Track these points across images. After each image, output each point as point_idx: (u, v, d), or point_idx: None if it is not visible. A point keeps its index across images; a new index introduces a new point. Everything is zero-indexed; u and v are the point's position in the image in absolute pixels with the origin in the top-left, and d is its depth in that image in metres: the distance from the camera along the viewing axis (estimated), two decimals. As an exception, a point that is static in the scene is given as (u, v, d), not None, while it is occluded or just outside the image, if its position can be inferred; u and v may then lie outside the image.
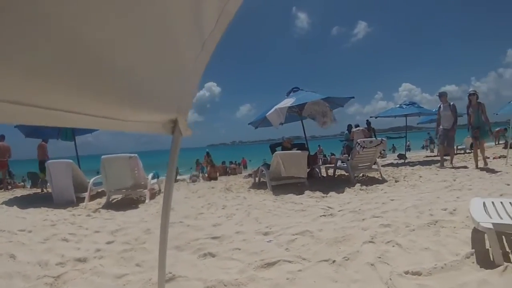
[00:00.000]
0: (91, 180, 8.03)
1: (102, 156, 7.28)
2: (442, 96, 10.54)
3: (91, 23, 0.76)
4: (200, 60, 1.46)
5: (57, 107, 0.92)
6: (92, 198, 7.86)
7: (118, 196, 8.03)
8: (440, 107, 10.58)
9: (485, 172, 8.42)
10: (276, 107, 9.03)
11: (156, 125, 1.51)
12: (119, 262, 3.51)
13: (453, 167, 10.05)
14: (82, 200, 7.55)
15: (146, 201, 7.36)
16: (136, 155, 7.60)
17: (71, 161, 7.86)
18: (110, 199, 7.51)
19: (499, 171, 8.30)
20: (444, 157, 10.85)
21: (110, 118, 1.21)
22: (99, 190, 8.26)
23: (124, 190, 7.66)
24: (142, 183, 7.90)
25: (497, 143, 23.37)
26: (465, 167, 9.98)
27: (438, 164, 10.66)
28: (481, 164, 9.48)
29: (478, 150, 9.65)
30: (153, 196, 7.68)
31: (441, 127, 10.47)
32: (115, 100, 1.11)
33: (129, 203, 7.42)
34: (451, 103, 10.32)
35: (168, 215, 1.76)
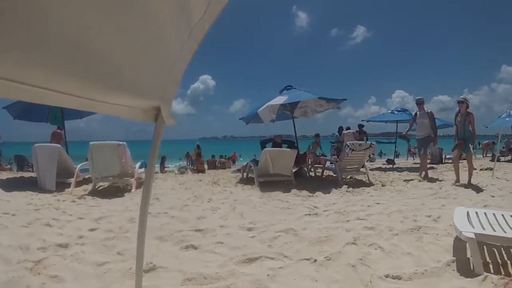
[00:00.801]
0: (78, 166, 7.95)
1: (90, 143, 7.20)
2: (420, 102, 9.92)
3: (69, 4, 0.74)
4: (187, 48, 1.43)
5: (33, 83, 0.90)
6: (79, 184, 7.77)
7: (105, 184, 7.97)
8: (416, 114, 9.95)
9: (472, 183, 8.49)
10: (268, 104, 9.01)
11: (138, 111, 1.49)
12: (100, 250, 3.47)
13: (425, 178, 9.35)
14: (68, 185, 7.46)
15: (132, 190, 7.31)
16: (124, 143, 7.54)
17: (58, 145, 7.77)
18: (96, 186, 7.43)
19: (485, 183, 8.39)
20: (427, 167, 10.07)
21: (86, 98, 1.18)
22: (86, 177, 8.18)
23: (111, 178, 7.58)
24: (130, 171, 7.84)
25: (485, 155, 23.71)
26: (442, 180, 9.26)
27: (422, 175, 9.80)
28: (464, 180, 8.35)
29: (463, 163, 9.31)
30: (139, 185, 7.61)
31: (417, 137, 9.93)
32: (92, 80, 1.09)
33: (115, 191, 7.36)
34: (429, 110, 9.69)
35: (147, 205, 1.74)
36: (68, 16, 0.78)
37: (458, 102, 8.46)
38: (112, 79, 1.17)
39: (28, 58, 0.78)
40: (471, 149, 8.74)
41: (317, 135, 16.23)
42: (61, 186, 7.35)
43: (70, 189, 7.24)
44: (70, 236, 3.88)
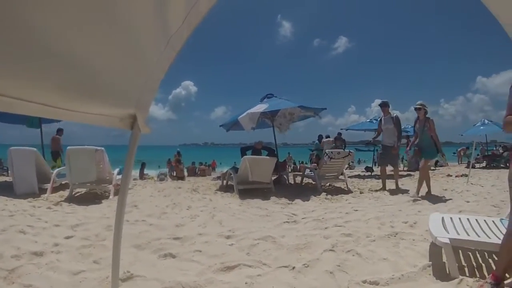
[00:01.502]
0: (55, 171, 7.78)
1: (68, 147, 7.07)
2: (384, 106, 8.95)
3: (41, 10, 0.75)
4: (165, 57, 1.46)
5: (4, 93, 0.90)
6: (55, 190, 7.61)
7: (82, 190, 7.81)
8: (381, 120, 9.05)
9: (447, 189, 8.65)
10: (248, 111, 9.04)
11: (114, 119, 1.50)
12: (76, 258, 3.40)
13: (397, 190, 8.58)
14: (44, 191, 7.30)
15: (110, 197, 7.17)
16: (102, 148, 7.42)
17: (34, 149, 7.61)
18: (73, 193, 7.26)
19: (460, 189, 8.56)
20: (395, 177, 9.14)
21: (60, 108, 1.18)
22: (63, 182, 8.02)
23: (88, 184, 7.44)
24: (107, 177, 7.73)
25: (460, 162, 24.32)
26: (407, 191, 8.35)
27: (380, 188, 8.95)
28: (423, 191, 7.57)
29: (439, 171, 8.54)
30: (118, 192, 7.50)
31: (381, 144, 9.08)
32: (66, 91, 1.09)
33: (92, 197, 7.23)
34: (394, 115, 8.77)
35: (123, 213, 1.73)
36: (42, 26, 0.78)
37: (416, 108, 7.78)
38: (87, 89, 1.18)
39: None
40: (440, 155, 7.98)
41: None
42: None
43: (46, 195, 7.06)
44: (45, 243, 3.79)
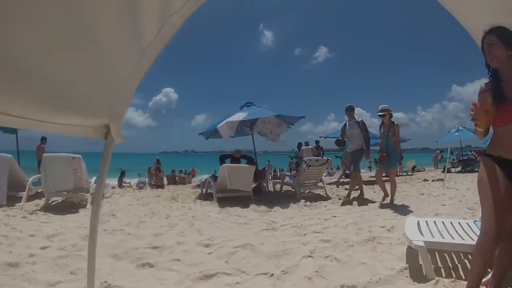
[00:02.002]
0: (30, 179, 7.55)
1: (44, 154, 6.89)
2: (349, 110, 8.35)
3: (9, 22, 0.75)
4: (138, 68, 1.48)
5: None
6: (31, 198, 7.36)
7: (58, 199, 7.60)
8: (345, 124, 8.41)
9: (423, 194, 8.80)
10: (227, 120, 9.05)
11: (87, 129, 1.52)
12: (52, 269, 3.32)
13: (357, 200, 8.07)
14: (19, 199, 7.05)
15: (87, 205, 7.01)
16: (80, 156, 7.23)
17: (9, 156, 7.36)
18: (49, 201, 7.05)
19: (437, 193, 8.72)
20: (362, 186, 8.78)
21: (30, 119, 1.19)
22: (39, 191, 7.72)
23: (65, 193, 7.23)
24: (85, 186, 7.54)
25: (436, 167, 24.93)
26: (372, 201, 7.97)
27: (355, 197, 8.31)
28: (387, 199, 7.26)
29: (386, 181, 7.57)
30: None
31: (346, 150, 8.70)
32: (36, 103, 1.10)
33: (69, 206, 7.04)
34: (360, 119, 8.25)
35: (96, 224, 1.72)
36: (11, 41, 0.78)
37: (379, 114, 7.35)
38: (59, 101, 1.19)
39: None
40: (397, 163, 7.48)
41: None
42: (11, 200, 6.89)
43: (21, 203, 6.84)
44: (20, 254, 3.67)
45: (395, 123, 7.22)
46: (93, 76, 1.28)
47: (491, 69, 2.34)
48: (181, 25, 1.48)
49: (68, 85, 1.16)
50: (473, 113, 2.17)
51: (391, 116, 7.30)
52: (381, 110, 7.30)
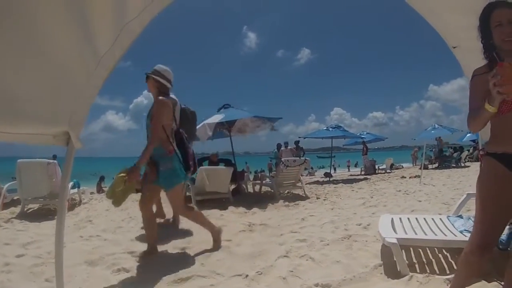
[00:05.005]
0: (5, 186, 7.41)
1: (18, 160, 6.73)
2: None
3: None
4: (97, 76, 1.50)
5: None
6: (6, 206, 7.19)
7: (34, 206, 7.38)
8: None
9: (400, 190, 8.92)
10: (205, 122, 9.03)
11: (47, 137, 1.52)
12: (28, 277, 3.25)
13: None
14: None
15: (64, 212, 6.87)
16: (55, 161, 7.07)
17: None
18: (25, 209, 6.86)
19: (413, 189, 8.85)
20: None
21: None
22: (14, 198, 7.59)
23: (41, 199, 7.01)
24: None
25: (414, 164, 25.42)
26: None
27: None
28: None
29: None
30: (72, 207, 7.21)
31: None
32: None
33: (45, 213, 6.85)
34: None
35: (62, 228, 1.69)
36: None
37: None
38: (14, 113, 1.21)
39: None
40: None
41: None
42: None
43: (-4, 212, 6.64)
44: (-5, 263, 3.60)
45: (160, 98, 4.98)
46: (49, 88, 1.29)
47: (493, 51, 1.95)
48: (141, 31, 1.51)
49: (24, 98, 1.18)
50: (499, 78, 1.56)
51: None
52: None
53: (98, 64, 1.42)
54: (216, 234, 4.18)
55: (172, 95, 5.10)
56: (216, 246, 4.08)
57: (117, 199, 3.41)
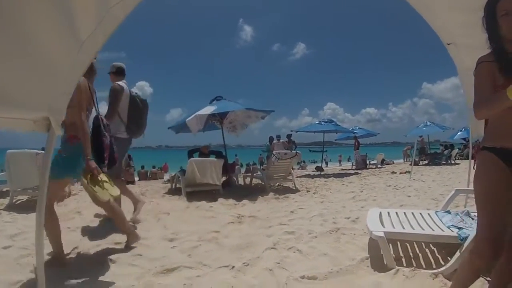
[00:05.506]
0: (-6, 178, 7.24)
1: (7, 151, 6.66)
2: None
3: None
4: (78, 62, 1.49)
5: None
6: None
7: (23, 197, 7.30)
8: None
9: (390, 185, 8.97)
10: (196, 113, 8.98)
11: (27, 122, 1.51)
12: (14, 269, 3.21)
13: None
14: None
15: (54, 203, 6.80)
16: (44, 151, 7.03)
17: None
18: (14, 200, 6.79)
19: (403, 184, 8.92)
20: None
21: None
22: (4, 190, 7.51)
23: (30, 191, 6.94)
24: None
25: (405, 160, 25.65)
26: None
27: None
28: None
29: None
30: (61, 198, 7.16)
31: None
32: None
33: (33, 205, 6.54)
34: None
35: (42, 215, 1.66)
36: None
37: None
38: None
39: None
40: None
41: None
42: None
43: (-16, 203, 6.56)
44: (-19, 255, 3.55)
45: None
46: (27, 72, 1.28)
47: (496, 40, 1.92)
48: (124, 17, 1.49)
49: (1, 81, 1.18)
50: None
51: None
52: None
53: (80, 49, 1.40)
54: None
55: (120, 82, 4.96)
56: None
57: (99, 194, 3.31)
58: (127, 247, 3.77)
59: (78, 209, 6.23)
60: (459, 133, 22.13)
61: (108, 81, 5.18)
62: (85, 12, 1.30)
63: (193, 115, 8.98)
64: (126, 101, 4.92)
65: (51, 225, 3.16)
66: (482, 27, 1.98)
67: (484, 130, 2.07)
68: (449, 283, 2.55)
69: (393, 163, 23.16)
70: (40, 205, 1.68)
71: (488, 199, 1.86)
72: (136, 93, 5.32)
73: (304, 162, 26.76)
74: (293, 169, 10.10)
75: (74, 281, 2.86)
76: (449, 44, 3.12)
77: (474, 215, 3.39)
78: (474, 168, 2.14)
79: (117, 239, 4.16)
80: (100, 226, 5.02)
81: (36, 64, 1.28)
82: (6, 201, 6.74)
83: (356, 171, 16.28)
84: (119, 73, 5.27)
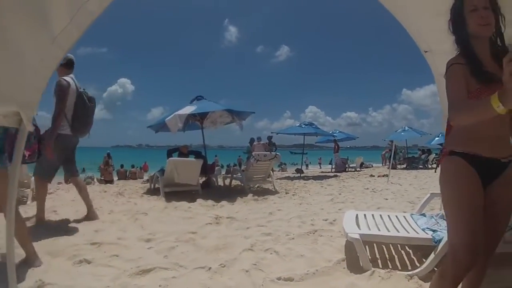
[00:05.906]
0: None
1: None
2: None
3: None
4: (50, 57, 1.47)
5: None
6: None
7: None
8: None
9: (368, 188, 9.08)
10: (176, 113, 8.92)
11: None
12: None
13: None
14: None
15: (28, 202, 6.62)
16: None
17: None
18: None
19: (381, 188, 9.03)
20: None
21: None
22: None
23: None
24: (25, 181, 7.12)
25: (384, 164, 26.02)
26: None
27: None
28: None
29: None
30: (36, 197, 7.01)
31: None
32: None
33: None
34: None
35: (12, 213, 1.62)
36: None
37: None
38: None
39: None
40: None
41: None
42: None
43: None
44: None
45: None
46: None
47: (465, 40, 1.81)
48: (100, 12, 1.47)
49: None
50: None
51: None
52: None
53: (53, 43, 1.38)
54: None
55: (67, 77, 4.66)
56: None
57: None
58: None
59: (54, 208, 6.13)
60: (436, 138, 22.56)
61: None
62: (58, 6, 1.28)
63: (172, 115, 8.93)
64: (72, 98, 4.69)
65: None
66: (448, 30, 1.89)
67: (449, 132, 1.93)
68: (424, 284, 2.61)
69: (372, 166, 23.53)
70: (10, 203, 1.64)
71: (465, 204, 1.74)
72: (84, 89, 4.98)
73: (284, 164, 26.85)
74: (273, 171, 10.13)
75: (48, 282, 2.81)
76: (426, 52, 3.16)
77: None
78: (435, 172, 2.10)
79: (94, 239, 4.10)
80: (77, 225, 4.92)
81: (5, 57, 1.26)
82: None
83: (335, 174, 16.45)
84: (69, 65, 4.85)
